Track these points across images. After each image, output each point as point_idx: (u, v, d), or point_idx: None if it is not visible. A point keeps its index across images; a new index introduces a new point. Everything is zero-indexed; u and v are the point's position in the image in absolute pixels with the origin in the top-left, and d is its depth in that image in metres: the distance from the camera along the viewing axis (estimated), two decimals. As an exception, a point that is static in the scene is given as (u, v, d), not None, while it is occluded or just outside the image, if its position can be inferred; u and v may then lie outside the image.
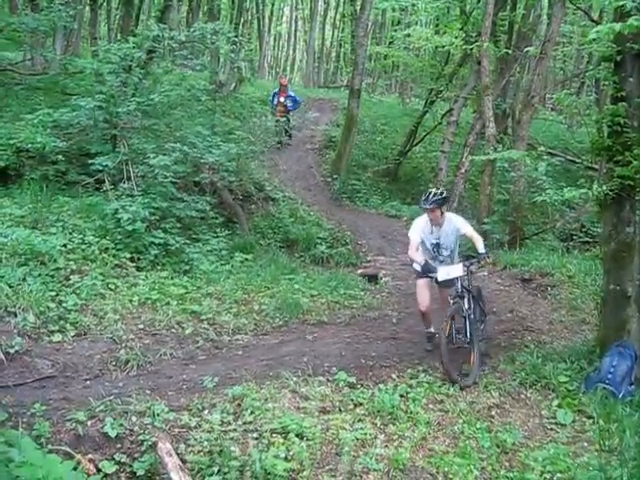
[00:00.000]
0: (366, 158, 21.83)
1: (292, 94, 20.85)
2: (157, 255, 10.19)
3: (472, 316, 7.51)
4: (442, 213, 7.81)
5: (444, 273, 7.55)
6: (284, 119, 19.43)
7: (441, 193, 7.76)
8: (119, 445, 5.16)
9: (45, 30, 16.67)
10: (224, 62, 22.05)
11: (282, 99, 20.36)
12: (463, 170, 16.68)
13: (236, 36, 15.55)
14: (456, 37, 17.37)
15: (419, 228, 7.97)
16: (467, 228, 7.88)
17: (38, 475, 3.11)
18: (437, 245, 7.99)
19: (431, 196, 7.71)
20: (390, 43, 27.71)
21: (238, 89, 23.81)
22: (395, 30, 27.23)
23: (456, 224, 7.88)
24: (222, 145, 12.69)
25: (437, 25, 23.80)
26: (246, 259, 11.48)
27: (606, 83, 8.85)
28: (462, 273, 7.54)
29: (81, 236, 9.60)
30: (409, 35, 20.13)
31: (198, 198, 12.14)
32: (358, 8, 21.31)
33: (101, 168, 11.26)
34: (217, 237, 11.86)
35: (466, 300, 7.54)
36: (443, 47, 18.76)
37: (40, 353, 6.90)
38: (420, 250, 8.03)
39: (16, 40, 18.70)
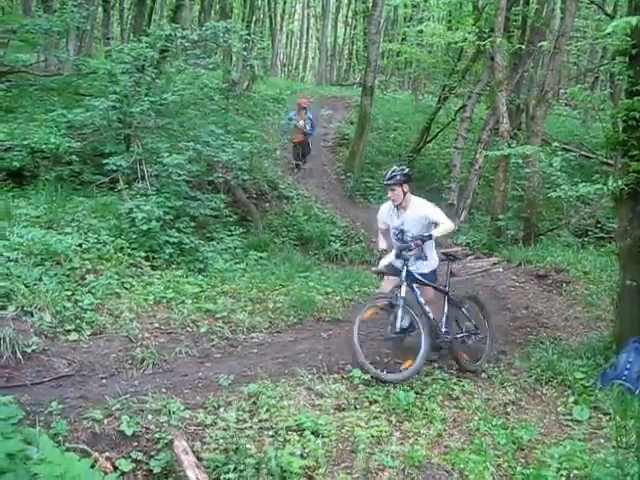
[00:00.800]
0: (379, 155, 21.79)
1: (311, 117, 18.33)
2: (172, 254, 10.21)
3: (417, 311, 6.96)
4: (405, 193, 7.21)
5: (382, 262, 7.29)
6: (302, 146, 18.16)
7: (402, 169, 7.26)
8: (135, 443, 5.18)
9: (58, 31, 16.72)
10: (237, 61, 22.11)
11: (301, 123, 17.73)
12: (477, 166, 16.66)
13: (248, 34, 15.58)
14: (469, 33, 17.35)
15: (384, 212, 7.58)
16: (436, 214, 7.21)
17: (56, 473, 3.13)
18: (401, 232, 7.32)
19: (390, 172, 7.25)
20: (403, 40, 27.70)
21: (251, 87, 23.82)
22: (408, 27, 27.23)
23: (424, 210, 7.23)
24: (235, 144, 12.70)
25: (450, 21, 23.76)
26: (260, 257, 11.51)
27: (621, 77, 8.77)
28: (390, 259, 7.20)
29: (96, 236, 9.63)
30: (422, 31, 20.16)
31: (212, 197, 12.17)
32: (370, 5, 21.31)
33: (115, 168, 11.30)
34: (231, 235, 11.90)
35: (403, 290, 6.88)
36: (456, 43, 18.74)
37: (57, 352, 6.93)
38: (385, 238, 7.64)
39: (30, 42, 18.77)
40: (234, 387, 6.29)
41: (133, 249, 9.78)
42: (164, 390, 6.19)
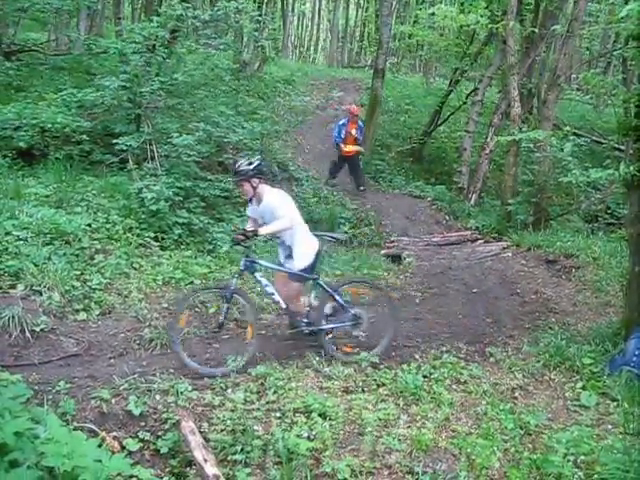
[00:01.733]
0: (390, 138, 21.73)
1: (361, 124, 16.95)
2: (181, 234, 10.23)
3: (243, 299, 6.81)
4: (255, 187, 6.81)
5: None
6: (353, 159, 16.44)
7: (249, 163, 6.79)
8: (143, 423, 5.21)
9: (69, 10, 16.74)
10: (248, 41, 21.98)
11: (353, 131, 16.26)
12: (487, 150, 16.59)
13: (260, 15, 15.53)
14: (481, 16, 17.16)
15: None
16: (277, 209, 6.71)
17: (63, 452, 3.14)
18: (263, 225, 6.92)
19: (236, 167, 6.90)
20: (414, 22, 27.49)
21: (262, 69, 23.74)
22: (420, 9, 26.97)
23: (272, 204, 6.78)
24: (246, 125, 12.68)
25: (462, 4, 23.55)
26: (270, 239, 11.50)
27: (634, 62, 8.71)
28: (227, 248, 7.07)
29: (105, 215, 9.64)
30: (433, 14, 19.94)
31: (222, 177, 12.16)
32: (383, -14, 21.12)
33: (125, 148, 11.30)
34: (241, 216, 11.88)
35: (233, 280, 6.70)
36: (468, 26, 18.54)
37: (65, 331, 6.97)
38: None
39: (40, 20, 18.77)
40: (242, 368, 6.30)
41: (142, 229, 9.80)
42: (172, 370, 6.23)
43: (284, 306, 6.92)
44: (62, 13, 17.77)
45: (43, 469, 2.99)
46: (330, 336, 7.00)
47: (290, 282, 7.01)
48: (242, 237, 6.64)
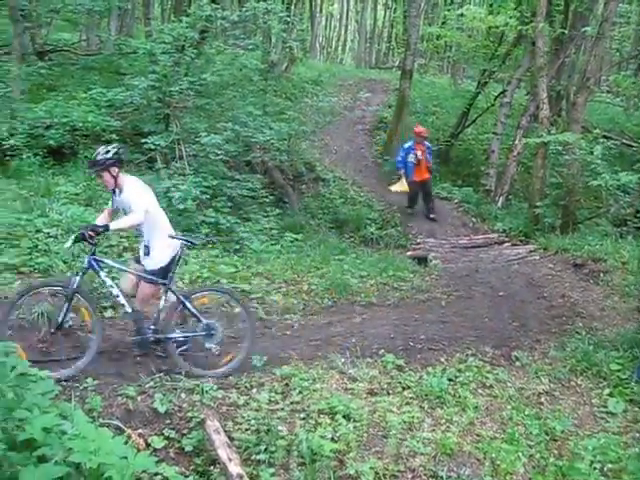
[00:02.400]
0: (417, 140, 21.65)
1: (429, 145, 15.46)
2: (208, 234, 10.27)
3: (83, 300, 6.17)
4: (115, 177, 6.22)
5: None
6: (425, 184, 15.02)
7: (106, 151, 6.18)
8: (168, 421, 5.23)
9: (100, 11, 16.90)
10: (276, 42, 22.03)
11: (419, 154, 14.75)
12: (515, 153, 16.50)
13: (288, 16, 15.54)
14: (510, 17, 17.07)
15: None
16: (132, 202, 6.14)
17: (90, 449, 3.16)
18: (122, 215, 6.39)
19: (94, 157, 6.27)
20: (443, 23, 27.39)
21: (290, 69, 23.78)
22: (448, 10, 26.89)
23: (130, 196, 6.21)
24: (273, 125, 12.72)
25: (491, 5, 23.45)
26: (296, 239, 11.54)
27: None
28: (68, 244, 6.22)
29: (133, 214, 9.70)
30: (462, 15, 19.87)
31: (249, 177, 12.21)
32: (411, -13, 21.07)
33: (154, 147, 11.40)
34: (267, 217, 11.94)
35: (77, 279, 6.06)
36: (497, 27, 18.46)
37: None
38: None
39: (72, 21, 18.98)
40: (267, 368, 6.33)
41: (170, 228, 9.84)
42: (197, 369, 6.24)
43: (129, 310, 6.31)
44: (93, 14, 17.96)
45: (70, 465, 3.02)
46: (184, 348, 6.38)
47: (142, 283, 6.45)
48: (93, 233, 5.98)
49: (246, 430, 5.11)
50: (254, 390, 5.82)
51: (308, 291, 9.16)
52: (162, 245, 6.40)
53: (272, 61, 20.62)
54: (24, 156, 11.14)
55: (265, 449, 4.88)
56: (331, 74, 28.45)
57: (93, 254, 6.21)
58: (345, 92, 25.59)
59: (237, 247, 10.41)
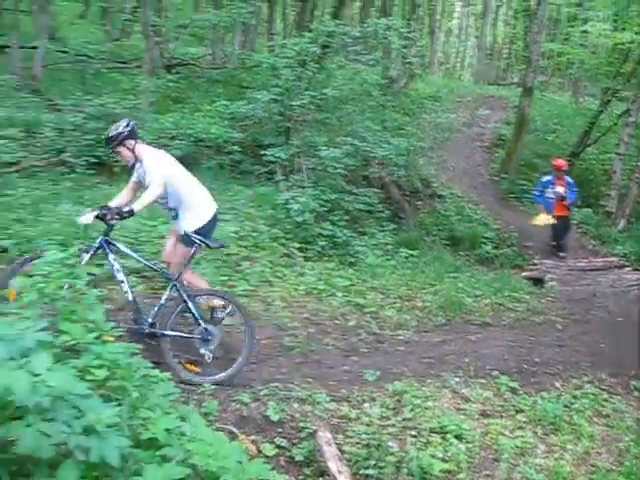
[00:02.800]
0: (536, 158, 21.12)
1: (571, 180, 13.99)
2: (324, 246, 10.38)
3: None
4: (132, 150, 6.17)
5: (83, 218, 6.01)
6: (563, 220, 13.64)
7: (116, 127, 6.14)
8: (280, 429, 5.27)
9: (225, 26, 17.42)
10: (396, 57, 22.08)
11: (560, 189, 13.49)
12: (638, 174, 15.91)
13: (408, 32, 15.55)
14: (637, 33, 16.53)
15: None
16: (151, 176, 6.04)
17: (208, 452, 3.23)
18: (144, 186, 6.26)
19: (107, 135, 6.23)
20: (565, 40, 26.79)
21: (409, 85, 23.77)
22: (571, 26, 26.27)
23: (147, 167, 6.11)
24: (392, 140, 12.73)
25: (615, 21, 22.77)
26: (411, 255, 11.46)
27: None
28: (87, 221, 5.94)
29: (253, 224, 9.92)
30: (586, 31, 19.38)
31: (366, 191, 12.25)
32: (533, 4, 20.72)
33: (274, 159, 11.61)
34: (383, 231, 11.93)
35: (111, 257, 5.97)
36: (623, 44, 17.89)
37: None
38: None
39: (198, 36, 19.64)
40: (379, 383, 6.30)
41: (287, 239, 10.02)
42: (310, 380, 6.27)
43: (130, 298, 6.10)
44: (218, 29, 18.54)
45: (189, 466, 3.09)
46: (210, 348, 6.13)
47: (179, 245, 6.40)
48: (118, 218, 5.92)
49: (356, 444, 5.10)
50: (366, 404, 5.81)
51: (422, 308, 9.08)
52: (190, 216, 6.34)
53: (392, 77, 20.73)
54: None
55: (375, 464, 4.85)
56: (449, 90, 28.28)
57: (106, 235, 6.03)
58: (463, 108, 25.39)
59: (352, 260, 10.44)
